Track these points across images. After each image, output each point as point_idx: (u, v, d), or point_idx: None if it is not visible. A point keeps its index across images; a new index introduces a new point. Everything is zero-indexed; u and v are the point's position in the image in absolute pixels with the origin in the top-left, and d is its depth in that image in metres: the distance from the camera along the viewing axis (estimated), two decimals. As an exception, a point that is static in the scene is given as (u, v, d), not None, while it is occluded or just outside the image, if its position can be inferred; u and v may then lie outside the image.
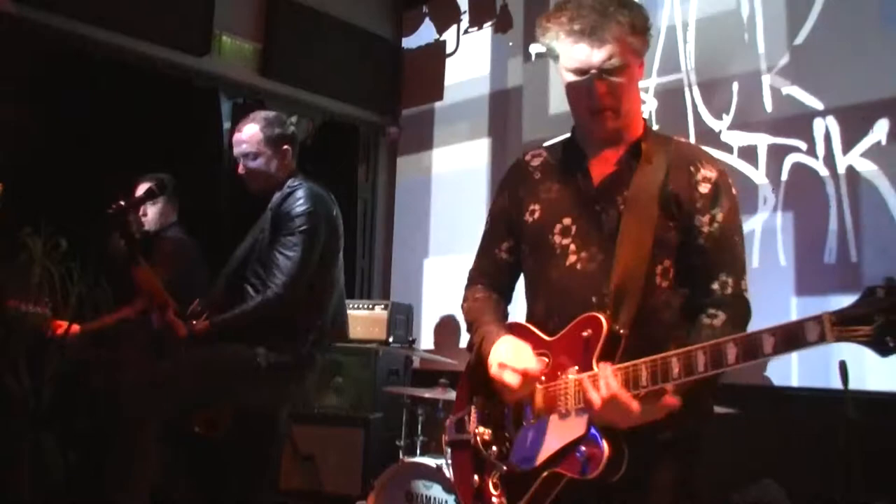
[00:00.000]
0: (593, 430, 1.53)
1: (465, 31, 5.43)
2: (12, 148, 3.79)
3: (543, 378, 1.65)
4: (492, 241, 1.90)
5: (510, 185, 1.88)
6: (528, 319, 1.79)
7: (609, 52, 1.61)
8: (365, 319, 4.77)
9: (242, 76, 4.97)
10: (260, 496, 2.96)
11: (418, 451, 3.83)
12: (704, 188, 1.67)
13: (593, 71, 1.63)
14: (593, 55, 1.62)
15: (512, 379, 1.61)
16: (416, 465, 3.47)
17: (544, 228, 1.74)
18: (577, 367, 1.59)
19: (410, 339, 4.66)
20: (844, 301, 1.32)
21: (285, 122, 3.09)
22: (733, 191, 1.73)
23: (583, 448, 1.54)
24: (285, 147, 3.01)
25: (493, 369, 1.65)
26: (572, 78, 1.67)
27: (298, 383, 2.97)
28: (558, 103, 4.86)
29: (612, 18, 1.60)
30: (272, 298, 2.75)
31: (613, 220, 1.66)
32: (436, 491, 3.33)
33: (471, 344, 1.80)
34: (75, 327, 3.59)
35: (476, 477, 1.75)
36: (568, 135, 1.84)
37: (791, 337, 1.32)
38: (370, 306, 4.90)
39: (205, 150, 4.87)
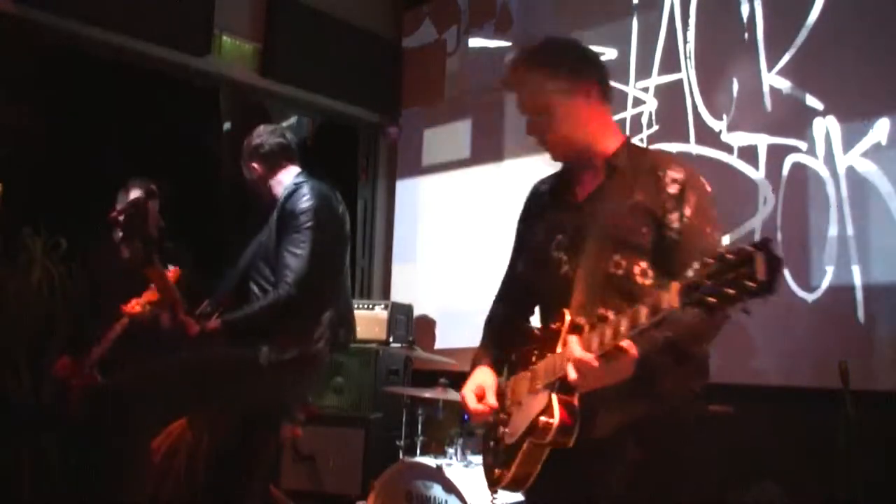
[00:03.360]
0: (553, 402, 1.79)
1: (465, 31, 5.43)
2: (12, 148, 3.79)
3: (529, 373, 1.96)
4: (513, 258, 2.21)
5: (525, 212, 2.21)
6: (541, 320, 2.09)
7: (527, 98, 1.99)
8: (365, 319, 4.77)
9: (242, 76, 4.97)
10: (253, 497, 2.96)
11: (418, 451, 3.83)
12: (673, 189, 1.87)
13: (523, 113, 2.02)
14: (518, 101, 2.03)
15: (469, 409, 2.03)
16: (416, 465, 3.47)
17: (545, 245, 2.02)
18: (548, 354, 1.88)
19: (410, 339, 4.66)
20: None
21: (269, 134, 3.12)
22: (704, 188, 1.91)
23: (543, 417, 1.80)
24: (279, 160, 3.07)
25: (461, 397, 2.06)
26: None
27: (301, 382, 2.96)
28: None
29: (523, 72, 1.99)
30: (284, 297, 2.73)
31: (590, 231, 1.92)
32: (436, 491, 3.33)
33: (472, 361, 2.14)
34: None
35: (489, 458, 2.05)
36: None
37: (654, 304, 1.53)
38: (370, 306, 4.90)
39: (205, 150, 4.88)
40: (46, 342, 3.62)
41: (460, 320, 5.13)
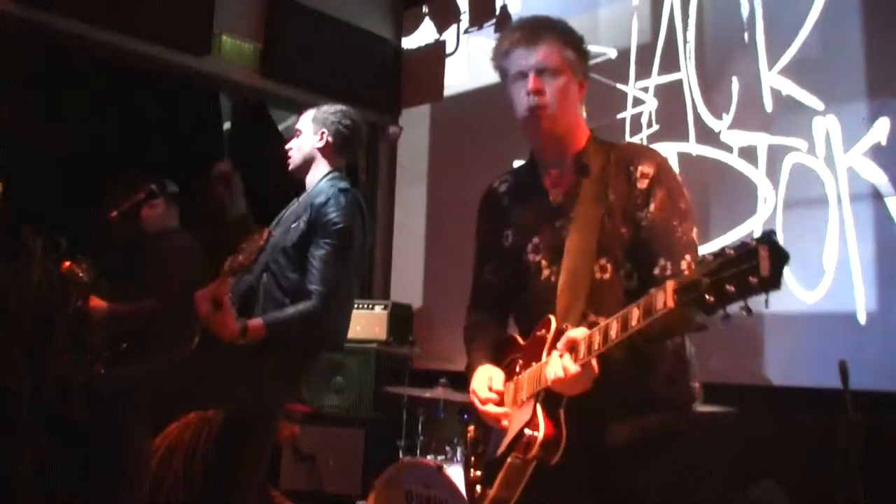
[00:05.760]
0: (538, 413, 1.71)
1: (466, 31, 5.43)
2: (12, 148, 3.79)
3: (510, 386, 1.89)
4: (478, 265, 2.14)
5: (484, 214, 2.14)
6: (519, 327, 2.01)
7: (543, 54, 1.86)
8: (365, 319, 4.77)
9: (242, 76, 4.97)
10: (250, 497, 2.95)
11: (418, 451, 3.83)
12: (642, 184, 1.81)
13: (531, 71, 1.87)
14: (529, 58, 1.88)
15: (479, 406, 1.92)
16: (416, 465, 3.47)
17: (520, 250, 1.95)
18: (533, 363, 1.80)
19: (410, 339, 4.66)
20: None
21: (339, 113, 2.97)
22: (674, 180, 1.85)
23: (527, 430, 1.72)
24: (323, 131, 2.93)
25: (471, 396, 1.95)
26: (514, 83, 1.92)
27: (298, 384, 2.95)
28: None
29: (544, 31, 1.89)
30: (313, 310, 2.66)
31: (569, 234, 1.85)
32: (436, 491, 3.33)
33: (466, 369, 2.07)
34: (101, 304, 3.61)
35: (471, 472, 1.97)
36: (528, 160, 2.08)
37: (647, 306, 1.48)
38: (370, 306, 4.90)
39: (205, 150, 4.87)
40: (46, 342, 3.62)
41: (460, 320, 5.12)
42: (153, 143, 4.44)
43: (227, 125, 5.16)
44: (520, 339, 1.96)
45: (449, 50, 5.52)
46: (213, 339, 2.74)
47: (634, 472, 1.78)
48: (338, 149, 2.95)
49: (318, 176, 2.93)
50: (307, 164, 2.95)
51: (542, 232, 1.91)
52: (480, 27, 5.33)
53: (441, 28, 5.53)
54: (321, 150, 2.94)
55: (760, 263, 1.27)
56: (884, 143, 3.59)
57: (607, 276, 1.82)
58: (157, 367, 2.79)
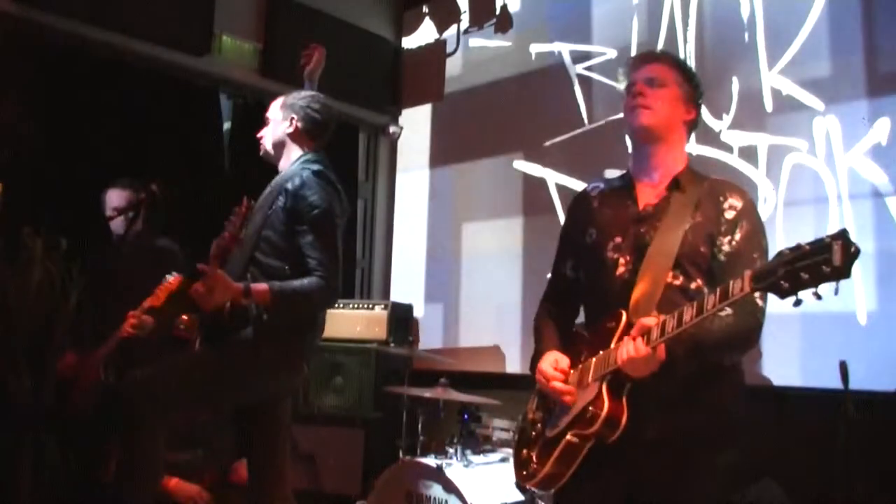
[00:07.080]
0: (603, 393, 1.85)
1: (466, 31, 5.43)
2: (13, 148, 3.79)
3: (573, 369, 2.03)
4: (559, 259, 2.27)
5: (572, 213, 2.29)
6: (587, 318, 2.17)
7: (652, 69, 2.10)
8: (365, 319, 4.77)
9: (242, 76, 4.97)
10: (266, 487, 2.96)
11: (418, 451, 3.83)
12: (730, 214, 1.99)
13: (640, 80, 2.09)
14: (642, 71, 2.11)
15: (546, 382, 2.04)
16: (416, 465, 3.47)
17: (600, 248, 2.09)
18: (601, 351, 1.94)
19: (410, 339, 4.65)
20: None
21: (308, 98, 3.03)
22: (759, 218, 2.04)
23: (591, 407, 1.86)
24: (293, 117, 2.96)
25: (537, 376, 2.09)
26: (627, 94, 2.12)
27: (296, 377, 2.95)
28: (557, 103, 4.86)
29: (659, 55, 2.18)
30: (323, 286, 2.66)
31: (651, 239, 2.00)
32: (436, 491, 3.33)
33: (534, 356, 2.19)
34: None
35: (525, 451, 2.08)
36: (625, 171, 2.22)
37: (724, 290, 1.65)
38: (370, 306, 4.89)
39: (205, 150, 4.87)
40: (46, 342, 3.62)
41: (461, 320, 5.13)
42: (153, 143, 4.43)
43: (227, 125, 5.16)
44: (585, 333, 2.10)
45: (449, 50, 5.52)
46: (215, 338, 2.76)
47: (654, 468, 1.89)
48: (308, 133, 2.99)
49: (290, 161, 2.96)
50: (278, 149, 2.99)
51: (625, 233, 2.05)
52: (480, 27, 5.33)
53: (441, 28, 5.54)
54: (291, 135, 2.98)
55: (833, 255, 1.45)
56: (884, 143, 3.59)
57: (678, 283, 1.97)
58: (167, 367, 2.78)
